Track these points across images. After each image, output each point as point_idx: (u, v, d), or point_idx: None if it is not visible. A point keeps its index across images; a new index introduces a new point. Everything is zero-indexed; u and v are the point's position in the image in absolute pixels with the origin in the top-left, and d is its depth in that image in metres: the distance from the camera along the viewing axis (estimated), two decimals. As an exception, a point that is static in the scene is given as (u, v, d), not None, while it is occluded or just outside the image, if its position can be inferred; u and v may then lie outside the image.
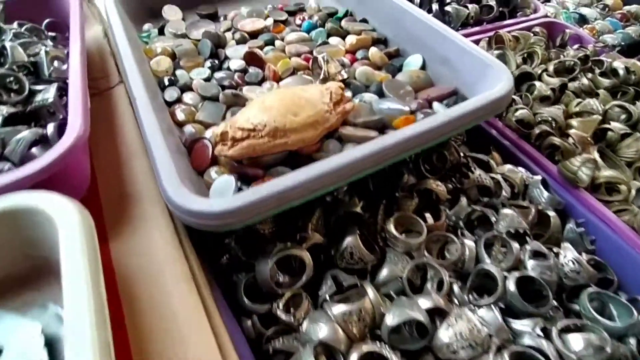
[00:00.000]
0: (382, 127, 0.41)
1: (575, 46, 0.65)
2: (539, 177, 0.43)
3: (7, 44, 0.37)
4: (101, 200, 0.33)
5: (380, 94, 0.46)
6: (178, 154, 0.37)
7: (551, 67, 0.56)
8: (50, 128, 0.34)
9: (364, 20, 0.56)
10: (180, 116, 0.43)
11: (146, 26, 0.57)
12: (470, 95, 0.43)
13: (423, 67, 0.49)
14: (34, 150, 0.33)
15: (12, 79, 0.37)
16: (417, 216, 0.39)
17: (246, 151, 0.35)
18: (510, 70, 0.56)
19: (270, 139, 0.36)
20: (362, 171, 0.33)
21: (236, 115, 0.38)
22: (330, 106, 0.39)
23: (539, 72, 0.57)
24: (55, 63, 0.39)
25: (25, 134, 0.33)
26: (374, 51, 0.49)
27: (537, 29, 0.65)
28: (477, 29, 0.63)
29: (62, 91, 0.38)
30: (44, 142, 0.34)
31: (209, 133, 0.41)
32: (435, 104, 0.43)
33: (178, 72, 0.49)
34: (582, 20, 0.72)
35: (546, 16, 0.68)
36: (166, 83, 0.47)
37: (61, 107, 0.36)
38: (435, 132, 0.35)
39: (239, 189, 0.36)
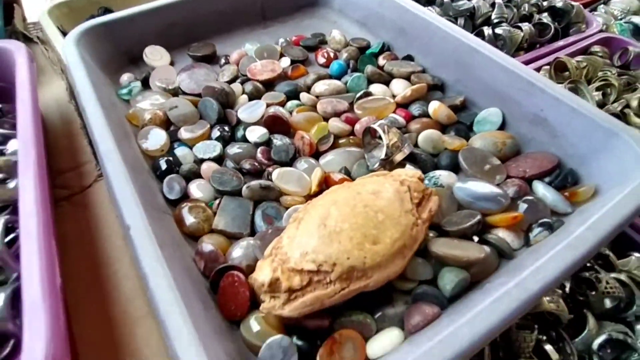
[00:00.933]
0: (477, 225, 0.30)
1: (642, 67, 0.55)
2: (676, 274, 0.33)
3: None
4: None
5: (455, 169, 0.34)
6: (200, 305, 0.24)
7: (635, 103, 0.46)
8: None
9: (409, 57, 0.44)
10: (190, 222, 0.31)
11: (125, 77, 0.43)
12: (584, 170, 0.33)
13: (502, 126, 0.37)
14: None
15: None
16: (536, 351, 0.28)
17: (310, 308, 0.24)
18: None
19: (343, 284, 0.24)
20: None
21: (283, 242, 0.26)
22: (416, 214, 0.27)
23: (619, 108, 0.47)
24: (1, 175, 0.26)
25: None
26: (436, 106, 0.37)
27: (596, 47, 0.55)
28: (532, 54, 0.52)
29: (13, 224, 0.25)
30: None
31: (236, 252, 0.29)
32: (540, 186, 0.32)
33: (178, 151, 0.36)
34: (637, 31, 0.62)
35: (601, 31, 0.58)
36: (163, 167, 0.34)
37: (12, 260, 0.23)
38: (581, 261, 0.24)
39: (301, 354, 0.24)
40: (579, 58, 0.51)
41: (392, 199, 0.27)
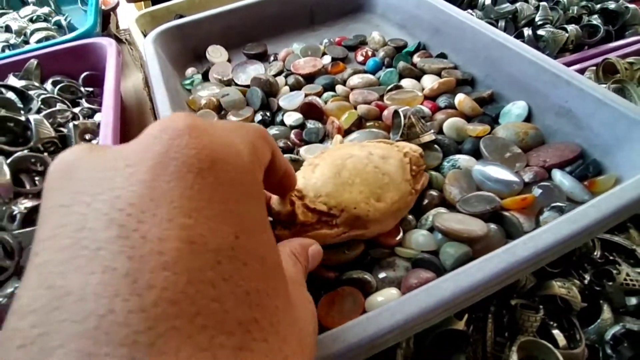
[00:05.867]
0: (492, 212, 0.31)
1: None
2: None
3: (32, 118, 0.31)
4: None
5: (477, 155, 0.36)
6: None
7: (691, 105, 0.44)
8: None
9: (442, 55, 0.46)
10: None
11: (189, 71, 0.50)
12: (608, 161, 0.32)
13: (528, 118, 0.38)
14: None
15: (34, 160, 0.30)
16: (543, 335, 0.28)
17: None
18: (636, 111, 0.44)
19: (345, 229, 0.27)
20: (483, 294, 0.24)
21: (300, 177, 0.28)
22: (412, 184, 0.30)
23: (672, 110, 0.44)
24: (87, 136, 0.33)
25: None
26: (461, 98, 0.39)
27: (655, 50, 0.52)
28: (578, 55, 0.51)
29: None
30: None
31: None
32: (558, 174, 0.32)
33: (225, 130, 0.41)
34: None
35: (664, 33, 0.55)
36: (211, 143, 0.40)
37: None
38: (578, 235, 0.25)
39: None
40: (632, 59, 0.49)
41: (397, 165, 0.29)
